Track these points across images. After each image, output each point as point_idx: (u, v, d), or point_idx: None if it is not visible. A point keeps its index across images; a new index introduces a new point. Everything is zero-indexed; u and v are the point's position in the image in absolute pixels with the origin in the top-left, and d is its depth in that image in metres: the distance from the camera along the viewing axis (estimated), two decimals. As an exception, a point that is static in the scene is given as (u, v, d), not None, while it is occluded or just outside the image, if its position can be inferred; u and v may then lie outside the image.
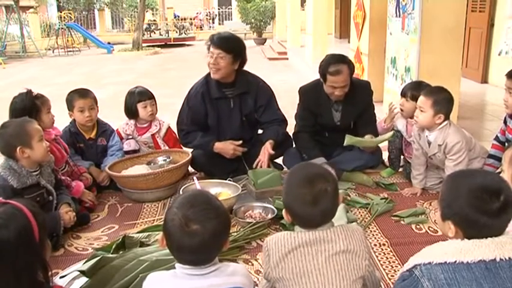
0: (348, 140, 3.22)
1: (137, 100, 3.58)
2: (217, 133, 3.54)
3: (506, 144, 3.08)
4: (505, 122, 3.16)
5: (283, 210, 1.71)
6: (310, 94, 3.55)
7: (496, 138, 3.22)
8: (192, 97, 3.54)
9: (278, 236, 1.66)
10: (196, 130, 3.54)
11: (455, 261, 1.36)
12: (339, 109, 3.51)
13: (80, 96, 3.36)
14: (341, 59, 3.36)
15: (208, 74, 3.49)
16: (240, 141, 3.48)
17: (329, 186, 1.61)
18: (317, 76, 3.49)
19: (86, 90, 3.47)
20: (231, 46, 3.35)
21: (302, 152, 3.55)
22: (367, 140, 3.35)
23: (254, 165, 3.37)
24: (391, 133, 3.34)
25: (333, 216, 1.66)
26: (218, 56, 3.30)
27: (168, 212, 1.51)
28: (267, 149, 3.40)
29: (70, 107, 3.37)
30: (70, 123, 3.48)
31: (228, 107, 3.52)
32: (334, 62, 3.31)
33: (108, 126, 3.59)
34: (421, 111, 3.00)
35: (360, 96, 3.50)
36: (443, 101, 2.96)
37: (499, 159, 3.08)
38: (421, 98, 3.01)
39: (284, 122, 3.66)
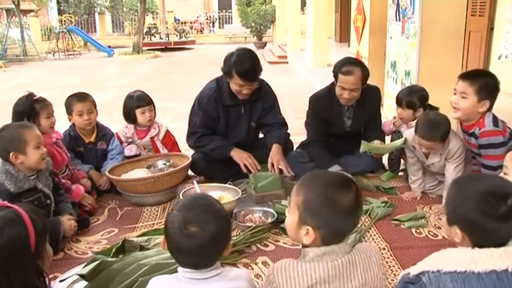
0: (364, 146, 3.18)
1: (135, 106, 3.58)
2: (224, 138, 3.52)
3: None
4: None
5: (310, 229, 1.48)
6: (322, 102, 3.49)
7: None
8: (204, 101, 3.48)
9: (288, 269, 1.48)
10: (210, 134, 3.50)
11: (466, 271, 1.32)
12: (351, 116, 3.49)
13: (78, 100, 3.35)
14: (356, 62, 3.40)
15: (220, 79, 3.47)
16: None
17: (358, 189, 1.54)
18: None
19: (85, 93, 3.46)
20: (259, 74, 3.34)
21: (315, 161, 3.46)
22: (382, 146, 3.35)
23: (269, 168, 3.36)
24: (402, 139, 3.32)
25: None
26: (251, 87, 3.33)
27: (169, 214, 1.53)
28: (277, 151, 3.39)
29: (69, 111, 3.37)
30: (70, 127, 3.47)
31: (238, 113, 3.51)
32: (348, 63, 3.32)
33: (107, 130, 3.58)
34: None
35: (370, 101, 3.49)
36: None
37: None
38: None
39: (285, 125, 3.66)
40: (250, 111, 3.53)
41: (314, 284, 1.45)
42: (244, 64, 3.24)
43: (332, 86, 3.46)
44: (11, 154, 2.47)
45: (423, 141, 2.91)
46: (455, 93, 2.84)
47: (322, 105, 3.48)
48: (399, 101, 3.36)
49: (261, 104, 3.53)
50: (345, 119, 3.50)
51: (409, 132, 3.18)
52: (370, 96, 3.49)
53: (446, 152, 2.98)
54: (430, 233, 2.74)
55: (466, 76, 2.82)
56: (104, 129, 3.55)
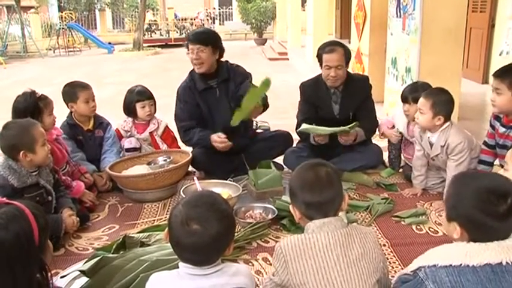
0: (304, 128, 3.35)
1: (136, 99, 3.64)
2: (211, 124, 3.56)
3: (496, 148, 3.00)
4: (491, 125, 3.06)
5: (294, 208, 1.71)
6: (310, 87, 3.65)
7: (485, 143, 3.10)
8: (181, 94, 3.62)
9: (293, 241, 1.60)
10: (195, 126, 3.55)
11: (461, 264, 1.34)
12: (338, 101, 3.57)
13: (83, 88, 3.43)
14: (337, 43, 3.59)
15: (192, 70, 3.61)
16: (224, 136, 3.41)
17: (330, 169, 1.70)
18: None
19: (84, 82, 3.54)
20: (206, 38, 3.48)
21: (306, 137, 3.60)
22: (321, 128, 3.34)
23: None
24: (346, 127, 3.31)
25: (337, 206, 1.68)
26: (198, 50, 3.43)
27: (174, 207, 1.55)
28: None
29: (74, 98, 3.39)
30: (67, 117, 3.50)
31: (214, 97, 3.58)
32: (330, 44, 3.51)
33: (104, 119, 3.63)
34: (421, 113, 3.00)
35: (358, 89, 3.59)
36: (442, 102, 2.95)
37: (490, 164, 3.07)
38: (421, 100, 3.00)
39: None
40: (225, 92, 3.59)
41: (318, 251, 1.57)
42: (195, 32, 3.63)
43: (320, 75, 3.60)
44: (22, 153, 2.48)
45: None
46: (493, 91, 2.89)
47: (310, 90, 3.64)
48: (405, 98, 3.38)
49: (233, 82, 3.61)
50: (332, 103, 3.59)
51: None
52: (358, 84, 3.62)
53: (446, 146, 2.99)
54: (431, 229, 2.75)
55: (498, 73, 2.87)
56: (101, 118, 3.62)
